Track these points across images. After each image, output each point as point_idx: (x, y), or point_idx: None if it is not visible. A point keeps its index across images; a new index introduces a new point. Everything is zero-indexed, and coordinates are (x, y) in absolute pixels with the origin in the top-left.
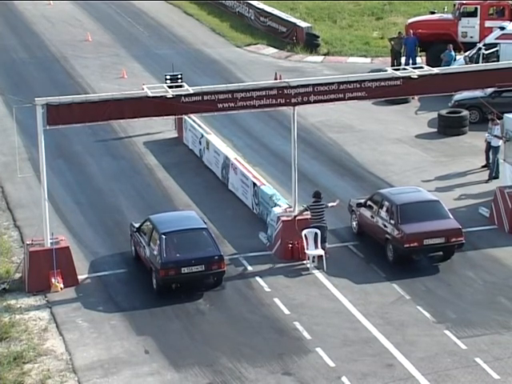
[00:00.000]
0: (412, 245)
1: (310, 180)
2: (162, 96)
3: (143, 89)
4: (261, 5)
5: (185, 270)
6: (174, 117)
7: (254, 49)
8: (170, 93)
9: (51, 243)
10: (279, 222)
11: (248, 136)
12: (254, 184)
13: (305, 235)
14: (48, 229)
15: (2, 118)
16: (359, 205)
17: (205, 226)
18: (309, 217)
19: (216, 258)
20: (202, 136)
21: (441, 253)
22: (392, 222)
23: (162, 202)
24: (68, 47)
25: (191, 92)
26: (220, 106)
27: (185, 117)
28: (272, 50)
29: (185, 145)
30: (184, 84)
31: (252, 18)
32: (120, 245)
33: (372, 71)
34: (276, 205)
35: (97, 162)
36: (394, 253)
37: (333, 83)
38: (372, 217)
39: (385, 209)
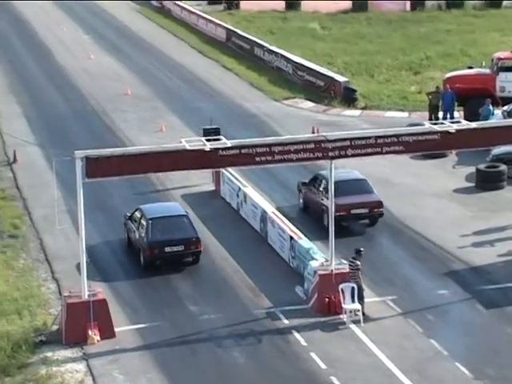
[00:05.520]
0: (342, 213)
1: (347, 233)
2: (199, 149)
3: (181, 142)
4: (299, 59)
5: (167, 249)
6: (211, 170)
7: (292, 102)
8: (208, 146)
9: (88, 295)
10: (316, 275)
11: (285, 189)
12: (291, 237)
13: (341, 289)
14: (85, 281)
15: (43, 171)
16: (304, 184)
17: (185, 213)
18: (346, 271)
19: (194, 239)
20: (240, 189)
21: (367, 221)
22: (328, 195)
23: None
24: (107, 101)
25: (229, 145)
26: (258, 159)
27: (222, 170)
28: (310, 104)
29: (222, 198)
30: (222, 137)
31: (290, 72)
32: (155, 296)
33: (410, 125)
34: (313, 258)
35: None
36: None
37: (370, 137)
38: (314, 193)
39: (322, 186)
